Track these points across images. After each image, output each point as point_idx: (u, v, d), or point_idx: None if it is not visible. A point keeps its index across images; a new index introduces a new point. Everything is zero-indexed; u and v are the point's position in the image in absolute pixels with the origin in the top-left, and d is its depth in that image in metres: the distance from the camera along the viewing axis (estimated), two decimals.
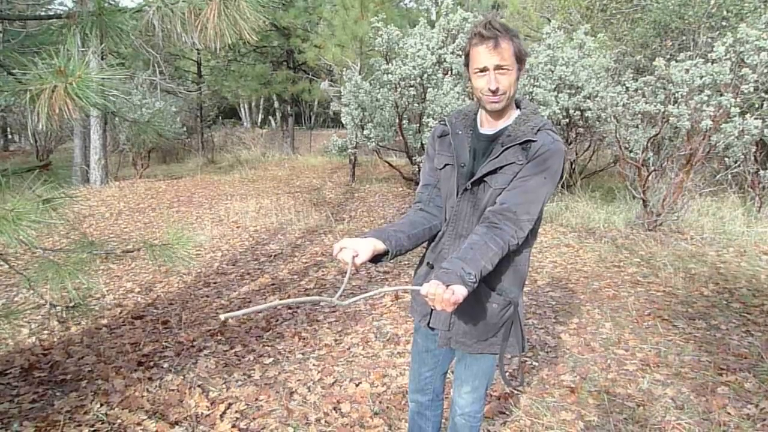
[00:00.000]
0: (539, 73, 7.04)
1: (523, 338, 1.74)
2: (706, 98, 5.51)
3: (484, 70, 1.56)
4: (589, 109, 6.94)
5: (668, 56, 7.36)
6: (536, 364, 3.13)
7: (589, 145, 8.66)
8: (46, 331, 3.75)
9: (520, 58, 1.59)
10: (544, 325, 3.68)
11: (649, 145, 6.24)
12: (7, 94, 1.94)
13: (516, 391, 1.65)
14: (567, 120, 7.16)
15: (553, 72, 7.01)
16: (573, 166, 8.84)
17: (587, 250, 5.56)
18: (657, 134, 6.20)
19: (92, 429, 2.48)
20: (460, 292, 1.37)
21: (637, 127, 6.62)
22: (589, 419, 2.59)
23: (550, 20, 9.69)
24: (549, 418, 2.60)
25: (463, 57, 1.95)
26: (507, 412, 2.65)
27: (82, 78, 1.86)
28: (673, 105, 5.78)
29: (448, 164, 1.74)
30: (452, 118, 1.78)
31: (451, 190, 1.72)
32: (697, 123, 5.63)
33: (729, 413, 2.60)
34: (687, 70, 5.66)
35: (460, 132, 1.73)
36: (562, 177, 1.67)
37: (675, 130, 6.37)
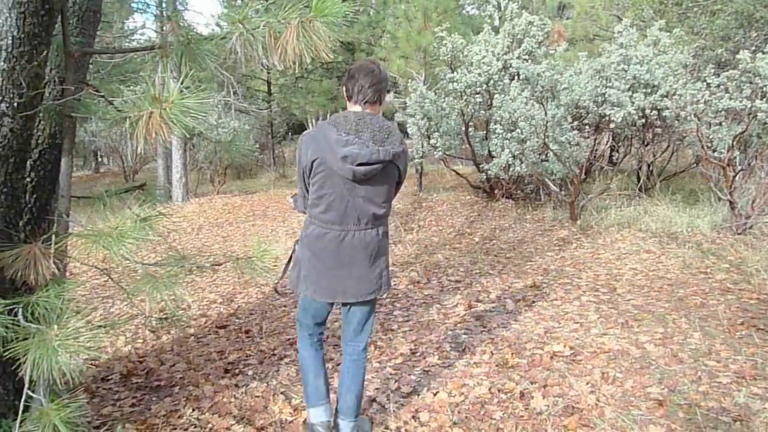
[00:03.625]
0: (612, 74, 6.81)
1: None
2: None
3: None
4: (667, 108, 6.64)
5: (753, 48, 6.93)
6: (620, 375, 3.02)
7: (668, 146, 8.27)
8: (139, 341, 4.01)
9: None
10: (626, 335, 3.54)
11: (734, 143, 5.89)
12: (110, 121, 2.13)
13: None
14: (643, 120, 6.87)
15: (626, 71, 6.76)
16: (651, 168, 8.47)
17: (670, 256, 5.30)
18: (743, 131, 5.84)
19: None
20: None
21: (721, 124, 6.27)
22: None
23: (620, 18, 9.37)
24: (636, 431, 2.50)
25: (386, 86, 2.41)
26: (591, 425, 2.57)
27: (175, 103, 2.00)
28: (761, 100, 5.43)
29: None
30: None
31: None
32: None
33: None
34: None
35: None
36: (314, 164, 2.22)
37: (764, 127, 5.97)
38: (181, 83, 2.04)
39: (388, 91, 2.08)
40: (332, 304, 2.41)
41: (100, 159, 21.26)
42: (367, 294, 2.33)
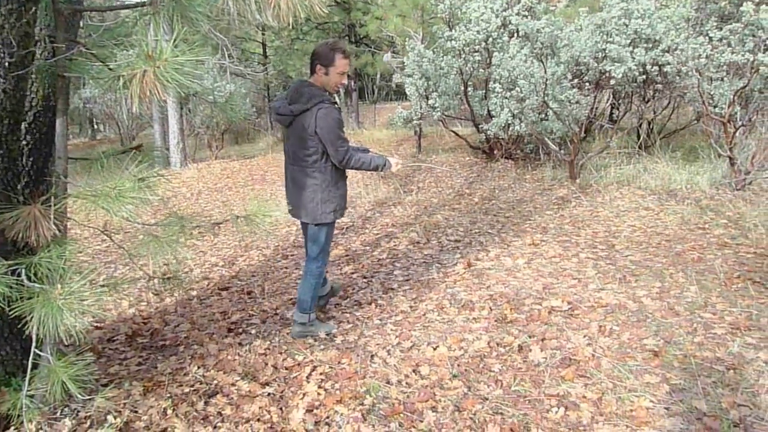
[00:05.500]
0: (612, 29, 6.67)
1: None
2: None
3: (344, 73, 2.97)
4: (668, 64, 6.54)
5: (757, 0, 6.78)
6: (617, 328, 3.07)
7: (669, 103, 8.19)
8: (143, 303, 4.06)
9: None
10: (624, 290, 3.59)
11: (735, 98, 5.83)
12: (104, 82, 2.10)
13: None
14: (644, 76, 6.79)
15: (627, 26, 6.63)
16: (651, 125, 8.41)
17: (668, 212, 5.32)
18: (745, 86, 5.77)
19: (192, 388, 2.69)
20: None
21: (722, 79, 6.19)
22: (675, 382, 2.53)
23: None
24: (632, 381, 2.56)
25: (323, 59, 2.94)
26: (588, 375, 2.63)
27: (169, 61, 1.97)
28: (764, 53, 5.35)
29: None
30: (334, 101, 3.00)
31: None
32: None
33: None
34: None
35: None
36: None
37: (766, 81, 5.91)
38: (174, 41, 2.00)
39: (348, 56, 2.99)
40: (303, 225, 3.27)
41: (96, 126, 21.07)
42: (303, 216, 3.11)
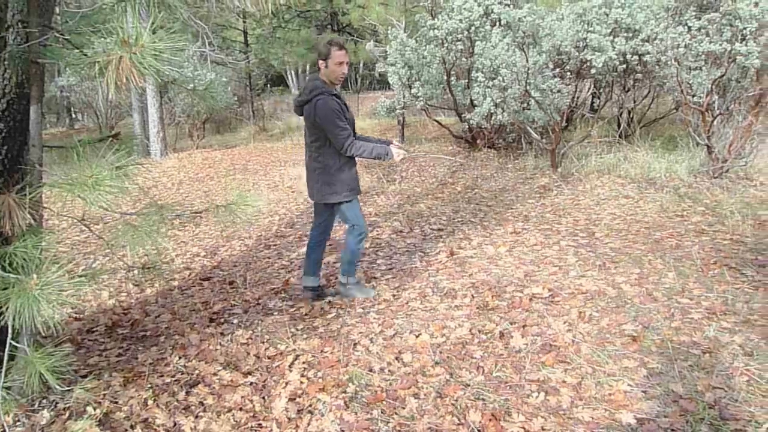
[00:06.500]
0: (593, 18, 6.71)
1: None
2: None
3: (342, 63, 3.20)
4: (648, 53, 6.60)
5: None
6: (596, 314, 3.11)
7: (648, 92, 8.26)
8: (123, 294, 4.02)
9: None
10: (603, 276, 3.64)
11: (713, 87, 5.90)
12: (80, 69, 2.06)
13: None
14: (624, 66, 6.84)
15: (608, 15, 6.67)
16: (631, 114, 8.49)
17: (648, 200, 5.39)
18: (722, 75, 5.85)
19: (174, 379, 2.67)
20: None
21: (701, 69, 6.26)
22: (653, 366, 2.57)
23: None
24: (611, 365, 2.60)
25: (321, 53, 3.24)
26: (568, 361, 2.67)
27: (145, 47, 1.94)
28: (741, 43, 5.42)
29: (347, 116, 3.27)
30: (334, 92, 3.24)
31: (353, 127, 3.34)
32: None
33: None
34: (756, 4, 5.27)
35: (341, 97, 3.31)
36: None
37: (743, 70, 5.99)
38: (151, 25, 1.96)
39: (342, 48, 3.24)
40: (315, 203, 3.55)
41: (74, 115, 20.65)
42: (319, 197, 3.38)
